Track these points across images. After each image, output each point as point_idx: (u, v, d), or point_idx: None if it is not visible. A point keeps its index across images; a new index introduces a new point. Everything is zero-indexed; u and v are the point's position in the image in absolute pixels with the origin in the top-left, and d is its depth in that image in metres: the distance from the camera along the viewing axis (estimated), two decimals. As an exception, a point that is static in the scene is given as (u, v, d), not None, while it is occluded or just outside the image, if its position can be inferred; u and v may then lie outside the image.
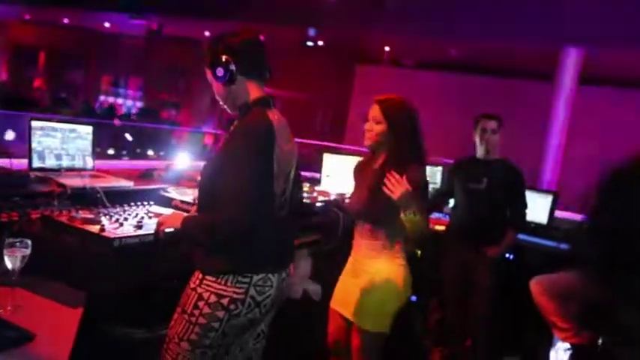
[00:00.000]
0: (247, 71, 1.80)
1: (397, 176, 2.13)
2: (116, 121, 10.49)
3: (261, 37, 1.87)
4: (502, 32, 7.22)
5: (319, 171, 3.90)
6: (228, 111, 1.90)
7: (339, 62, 11.68)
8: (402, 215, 2.15)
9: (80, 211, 2.06)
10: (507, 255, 3.56)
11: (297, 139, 1.96)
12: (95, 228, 1.90)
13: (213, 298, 1.71)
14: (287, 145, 1.82)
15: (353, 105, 11.74)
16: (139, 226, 2.00)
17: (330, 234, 2.99)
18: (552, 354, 2.63)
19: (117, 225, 1.97)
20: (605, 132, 8.38)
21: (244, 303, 1.72)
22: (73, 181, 2.37)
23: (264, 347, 1.96)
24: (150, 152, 9.31)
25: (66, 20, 14.02)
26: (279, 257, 1.86)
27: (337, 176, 3.76)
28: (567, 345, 2.34)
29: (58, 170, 2.54)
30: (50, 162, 2.54)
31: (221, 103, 1.89)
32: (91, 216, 2.01)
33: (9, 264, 1.60)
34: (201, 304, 1.72)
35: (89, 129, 2.74)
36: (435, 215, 3.86)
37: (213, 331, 1.72)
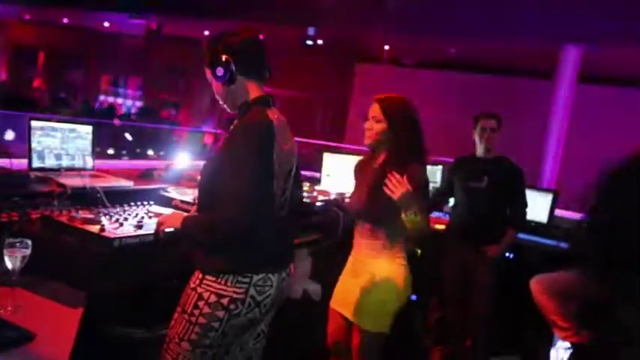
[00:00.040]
0: (247, 71, 1.80)
1: (398, 176, 2.12)
2: (116, 121, 10.48)
3: (261, 37, 1.87)
4: (502, 31, 7.22)
5: (319, 170, 3.90)
6: (228, 110, 1.89)
7: (338, 61, 11.68)
8: (402, 215, 2.15)
9: (80, 211, 2.06)
10: (507, 254, 3.56)
11: (297, 139, 1.96)
12: (95, 228, 1.90)
13: (213, 298, 1.71)
14: (287, 145, 1.82)
15: (353, 104, 11.74)
16: (139, 226, 2.00)
17: (330, 233, 2.99)
18: (553, 353, 2.63)
19: (117, 225, 1.98)
20: (605, 131, 8.37)
21: (244, 303, 1.72)
22: (72, 181, 2.37)
23: (264, 347, 1.97)
24: (150, 152, 9.30)
25: (65, 20, 14.00)
26: (279, 257, 1.86)
27: (337, 175, 3.75)
28: (567, 344, 2.34)
29: (57, 170, 2.54)
30: (50, 162, 2.54)
31: (221, 102, 1.89)
32: (91, 216, 2.01)
33: (9, 264, 1.60)
34: (201, 303, 1.72)
35: (89, 129, 2.74)
36: (435, 214, 3.86)
37: (213, 330, 1.72)
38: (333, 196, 3.33)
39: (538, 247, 3.69)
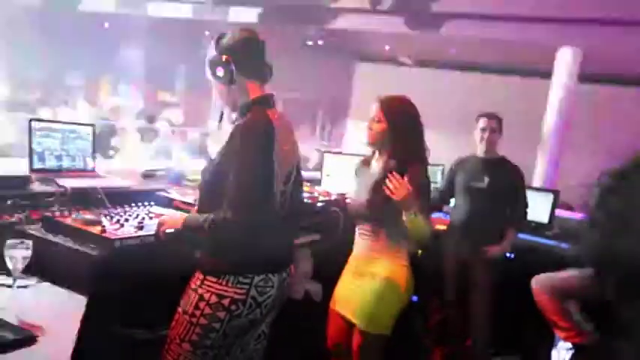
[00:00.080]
0: (247, 71, 1.80)
1: (399, 177, 2.12)
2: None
3: (261, 37, 1.87)
4: (502, 30, 7.22)
5: (319, 171, 3.90)
6: (229, 110, 1.89)
7: (339, 61, 11.66)
8: (403, 215, 2.14)
9: (81, 212, 2.06)
10: (508, 254, 3.56)
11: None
12: (96, 229, 1.90)
13: (214, 299, 1.71)
14: (287, 145, 1.82)
15: (353, 104, 11.74)
16: (139, 227, 2.00)
17: (330, 234, 2.98)
18: (554, 353, 2.63)
19: (118, 226, 1.98)
20: (605, 130, 8.37)
21: (245, 303, 1.72)
22: (73, 182, 2.37)
23: (265, 348, 1.97)
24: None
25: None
26: (280, 257, 1.86)
27: (338, 176, 3.75)
28: (569, 344, 2.34)
29: (58, 171, 2.54)
30: (50, 163, 2.54)
31: (221, 102, 1.89)
32: (91, 217, 2.01)
33: (10, 265, 1.60)
34: (202, 304, 1.72)
35: (89, 129, 2.74)
36: (435, 214, 3.86)
37: (214, 331, 1.72)
38: (333, 197, 3.32)
39: (538, 247, 3.68)
